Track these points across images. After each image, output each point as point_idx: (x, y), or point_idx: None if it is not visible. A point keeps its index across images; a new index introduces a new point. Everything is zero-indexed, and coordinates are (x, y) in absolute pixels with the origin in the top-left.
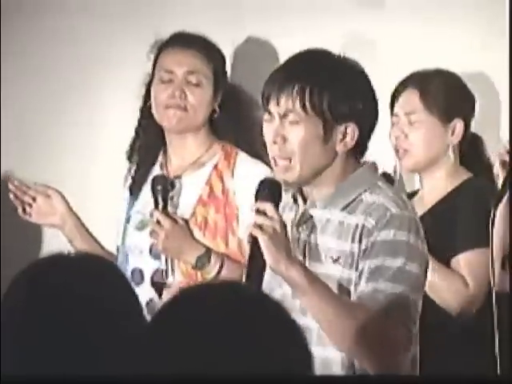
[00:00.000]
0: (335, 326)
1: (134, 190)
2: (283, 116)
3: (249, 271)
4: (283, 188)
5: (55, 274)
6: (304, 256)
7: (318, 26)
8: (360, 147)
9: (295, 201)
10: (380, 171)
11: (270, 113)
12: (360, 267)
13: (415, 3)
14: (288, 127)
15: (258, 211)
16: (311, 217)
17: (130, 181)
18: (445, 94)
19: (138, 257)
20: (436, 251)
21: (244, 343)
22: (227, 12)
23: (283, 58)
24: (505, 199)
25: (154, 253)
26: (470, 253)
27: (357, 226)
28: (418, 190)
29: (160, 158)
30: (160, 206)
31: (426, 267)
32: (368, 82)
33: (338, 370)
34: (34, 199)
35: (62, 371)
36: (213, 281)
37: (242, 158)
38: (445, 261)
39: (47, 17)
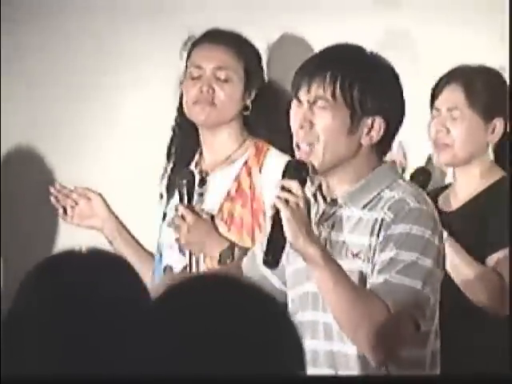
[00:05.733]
0: (346, 311)
1: (170, 189)
2: (313, 102)
3: (268, 246)
4: (309, 170)
5: (65, 271)
6: None
7: (355, 23)
8: (384, 144)
9: (315, 199)
10: (417, 166)
11: (299, 100)
12: (375, 259)
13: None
14: (316, 113)
15: (283, 188)
16: (332, 215)
17: (166, 179)
18: (489, 91)
19: (169, 254)
20: (469, 249)
21: (234, 338)
22: (262, 8)
23: None
24: None
25: (182, 249)
26: (503, 251)
27: (376, 220)
28: (450, 184)
29: (196, 157)
30: (184, 201)
31: (443, 264)
32: (398, 80)
33: (355, 365)
34: (76, 202)
35: (66, 370)
36: (205, 273)
37: (272, 154)
38: (479, 259)
39: (71, 14)
